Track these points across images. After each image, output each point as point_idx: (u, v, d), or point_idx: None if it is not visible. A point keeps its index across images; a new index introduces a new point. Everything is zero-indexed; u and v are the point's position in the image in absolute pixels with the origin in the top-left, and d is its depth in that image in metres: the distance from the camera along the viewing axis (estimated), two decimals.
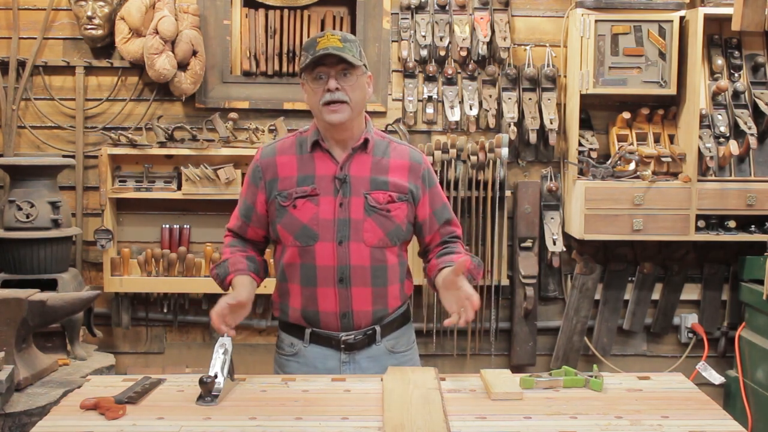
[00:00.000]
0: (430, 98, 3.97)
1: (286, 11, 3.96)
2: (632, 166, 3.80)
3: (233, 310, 2.12)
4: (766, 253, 3.61)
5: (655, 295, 4.10)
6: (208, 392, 1.97)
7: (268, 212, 2.31)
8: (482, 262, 2.33)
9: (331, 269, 2.24)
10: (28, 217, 3.47)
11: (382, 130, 3.89)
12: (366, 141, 2.28)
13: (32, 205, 3.47)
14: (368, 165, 2.27)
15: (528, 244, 3.99)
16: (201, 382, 1.96)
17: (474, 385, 2.12)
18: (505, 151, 3.83)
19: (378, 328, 2.31)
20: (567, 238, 4.00)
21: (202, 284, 3.85)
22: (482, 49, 3.90)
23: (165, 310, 3.99)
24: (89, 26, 3.80)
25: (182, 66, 3.81)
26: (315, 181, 2.25)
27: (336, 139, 2.27)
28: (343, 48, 2.16)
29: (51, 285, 3.45)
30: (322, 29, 3.99)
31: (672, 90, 3.79)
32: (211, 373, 1.99)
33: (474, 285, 2.21)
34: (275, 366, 2.40)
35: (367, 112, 3.90)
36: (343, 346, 2.30)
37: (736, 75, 3.92)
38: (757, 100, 3.85)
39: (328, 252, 2.23)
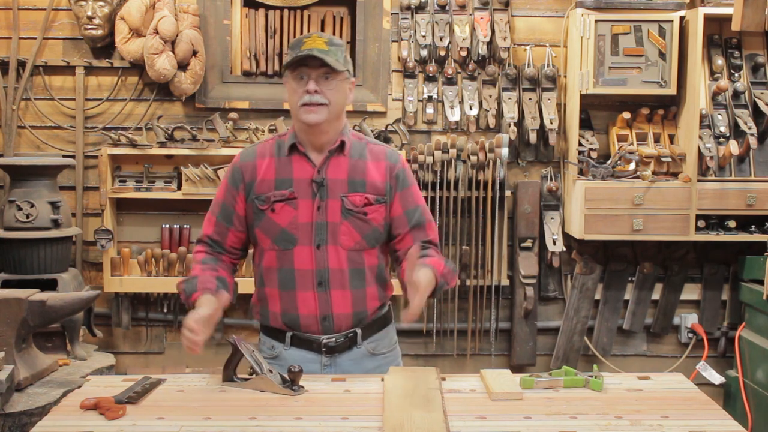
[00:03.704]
0: (430, 98, 3.97)
1: (286, 11, 3.96)
2: (632, 166, 3.80)
3: (201, 325, 2.06)
4: (766, 253, 3.61)
5: (655, 295, 4.09)
6: (296, 382, 2.06)
7: (246, 215, 2.29)
8: (457, 268, 2.29)
9: (310, 273, 2.23)
10: (28, 217, 3.47)
11: (382, 130, 3.92)
12: (342, 143, 2.25)
13: (32, 205, 3.47)
14: (345, 167, 2.25)
15: (528, 244, 3.99)
16: (290, 371, 2.05)
17: (474, 385, 2.12)
18: (505, 151, 3.83)
19: (359, 331, 2.31)
20: (567, 238, 4.00)
21: None
22: (482, 49, 3.90)
23: (165, 310, 3.99)
24: (89, 26, 3.79)
25: (182, 66, 3.81)
26: (293, 184, 2.23)
27: (312, 141, 2.25)
28: (327, 51, 2.13)
29: (51, 285, 3.44)
30: (323, 29, 3.99)
31: (672, 90, 3.79)
32: (264, 371, 2.09)
33: (446, 290, 2.26)
34: None
35: (367, 112, 3.98)
36: (324, 349, 2.29)
37: (736, 75, 3.92)
38: (757, 100, 3.84)
39: (307, 255, 2.23)
